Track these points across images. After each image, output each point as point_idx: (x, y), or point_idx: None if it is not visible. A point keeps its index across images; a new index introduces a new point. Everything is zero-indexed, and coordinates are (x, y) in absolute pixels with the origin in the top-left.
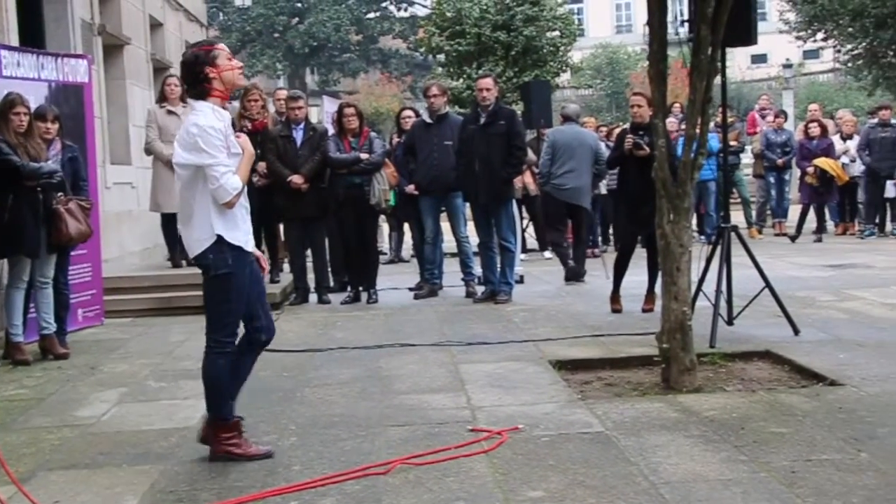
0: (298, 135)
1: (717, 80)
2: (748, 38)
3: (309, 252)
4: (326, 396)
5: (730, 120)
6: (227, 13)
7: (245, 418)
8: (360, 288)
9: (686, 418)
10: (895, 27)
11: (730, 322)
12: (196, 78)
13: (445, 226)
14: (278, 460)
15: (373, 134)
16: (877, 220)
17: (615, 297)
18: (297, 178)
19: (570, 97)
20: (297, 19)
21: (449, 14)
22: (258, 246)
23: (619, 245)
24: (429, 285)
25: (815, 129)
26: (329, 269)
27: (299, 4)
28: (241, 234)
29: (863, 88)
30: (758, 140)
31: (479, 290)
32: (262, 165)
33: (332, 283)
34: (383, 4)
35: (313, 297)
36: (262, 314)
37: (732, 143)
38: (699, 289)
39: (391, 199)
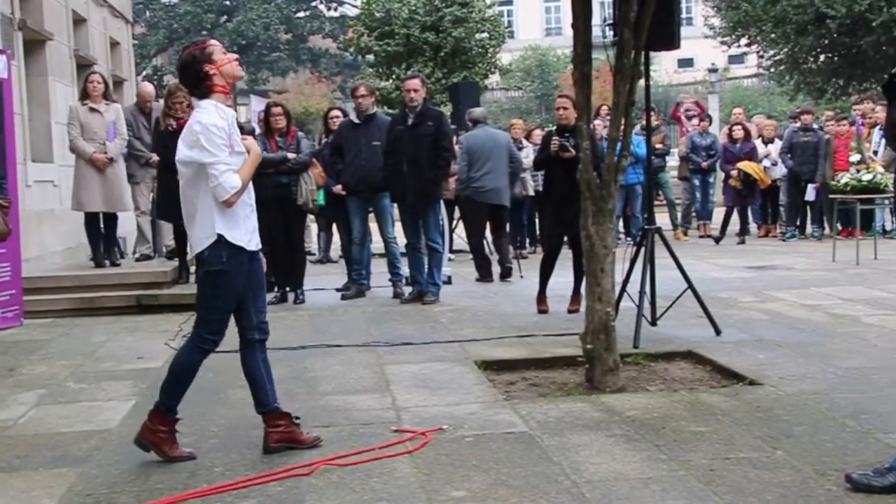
0: None
1: (643, 83)
2: (671, 42)
3: None
4: (250, 398)
5: (655, 123)
6: (154, 10)
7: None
8: (287, 288)
9: (609, 418)
10: (816, 34)
11: (653, 323)
12: (197, 77)
13: (373, 226)
14: (200, 462)
15: (300, 133)
16: (798, 223)
17: (541, 298)
18: None
19: (499, 99)
20: (225, 17)
21: (378, 14)
22: (181, 247)
23: (546, 246)
24: (356, 286)
25: (738, 133)
26: None
27: (228, 2)
28: (242, 233)
29: (785, 93)
30: (683, 143)
31: (407, 290)
32: None
33: None
34: (313, 4)
35: None
36: (254, 314)
37: (658, 145)
38: (623, 290)
39: (319, 200)
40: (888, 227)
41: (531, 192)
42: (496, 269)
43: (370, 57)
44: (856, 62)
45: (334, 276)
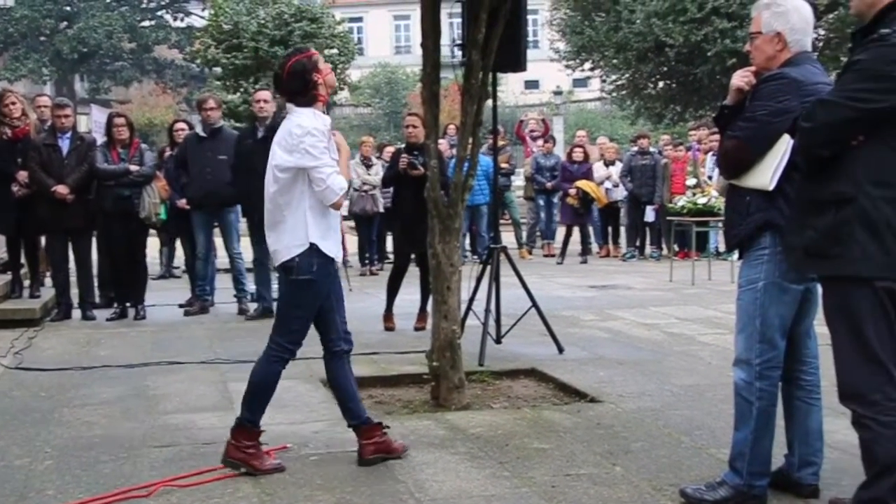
0: (64, 144)
1: (490, 103)
2: (518, 64)
3: (73, 265)
4: (86, 417)
5: (501, 143)
6: None
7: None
8: (128, 304)
9: (453, 435)
10: (655, 61)
11: (498, 340)
12: (306, 86)
13: (218, 241)
14: (31, 484)
15: (143, 145)
16: (637, 244)
17: (388, 315)
18: (61, 189)
19: (348, 115)
20: (65, 23)
21: (226, 27)
22: (14, 261)
23: (394, 263)
24: (200, 302)
25: (578, 154)
26: (95, 284)
27: (68, 8)
28: (332, 243)
29: (626, 117)
30: (528, 164)
31: (252, 307)
32: (23, 174)
33: (97, 299)
34: (158, 13)
35: (77, 313)
36: (339, 325)
37: (504, 165)
38: (469, 308)
39: (162, 213)
40: (721, 249)
41: (381, 209)
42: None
43: (217, 69)
44: (692, 89)
45: (177, 291)
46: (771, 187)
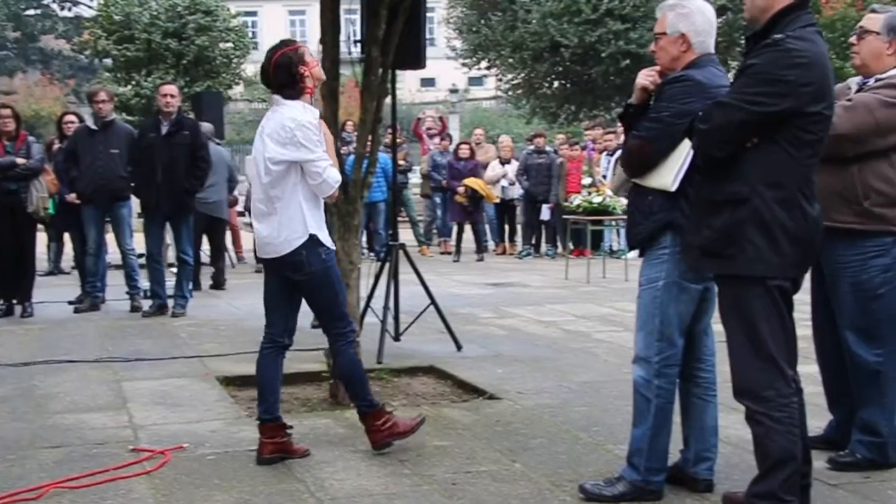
0: None
1: (389, 100)
2: (417, 62)
3: None
4: None
5: (398, 141)
6: None
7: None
8: (14, 300)
9: (353, 434)
10: (550, 61)
11: (396, 338)
12: (293, 78)
13: (110, 237)
14: None
15: (31, 138)
16: (533, 242)
17: None
18: None
19: (242, 110)
20: None
21: (117, 17)
22: None
23: None
24: (90, 299)
25: (465, 151)
26: None
27: None
28: (326, 234)
29: (521, 116)
30: (425, 161)
31: (146, 304)
32: None
33: None
34: (45, 2)
35: None
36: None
37: (401, 162)
38: (367, 305)
39: (50, 208)
40: (615, 247)
41: None
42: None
43: (108, 61)
44: (587, 89)
45: (66, 288)
46: (673, 188)
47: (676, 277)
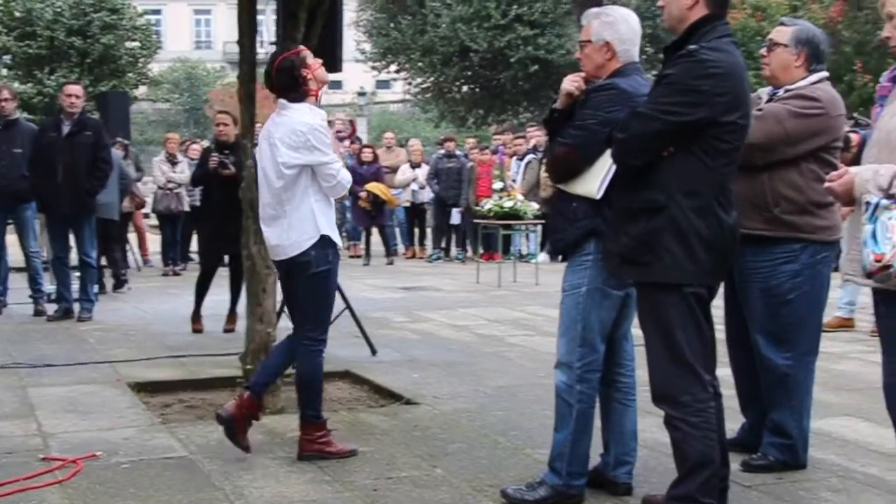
0: None
1: None
2: (334, 65)
3: None
4: None
5: None
6: None
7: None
8: None
9: (270, 440)
10: (460, 66)
11: None
12: (296, 82)
13: (11, 238)
14: None
15: None
16: (443, 245)
17: (196, 317)
18: None
19: (145, 110)
20: None
21: (18, 13)
22: None
23: (202, 264)
24: None
25: (367, 155)
26: None
27: None
28: (337, 233)
29: (430, 120)
30: None
31: (51, 308)
32: None
33: None
34: None
35: None
36: None
37: None
38: (282, 310)
39: None
40: (524, 251)
41: (186, 208)
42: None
43: (7, 58)
44: (495, 94)
45: None
46: (598, 196)
47: (599, 283)
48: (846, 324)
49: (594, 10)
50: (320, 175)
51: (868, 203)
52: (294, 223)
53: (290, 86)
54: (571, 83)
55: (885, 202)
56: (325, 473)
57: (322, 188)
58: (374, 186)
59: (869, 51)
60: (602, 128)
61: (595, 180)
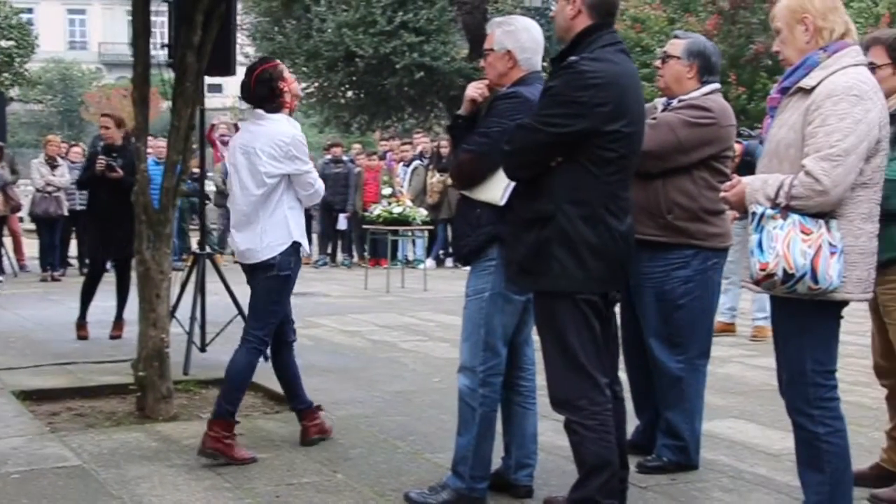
0: None
1: None
2: (227, 68)
3: None
4: None
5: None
6: None
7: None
8: None
9: (167, 447)
10: (345, 71)
11: (203, 349)
12: (273, 93)
13: None
14: None
15: None
16: (329, 251)
17: (82, 324)
18: None
19: (17, 111)
20: None
21: None
22: None
23: (89, 268)
24: None
25: None
26: None
27: None
28: (307, 240)
29: (314, 125)
30: (219, 170)
31: None
32: None
33: None
34: None
35: None
36: (290, 316)
37: (194, 169)
38: (173, 315)
39: None
40: (411, 257)
41: (65, 212)
42: None
43: None
44: (381, 100)
45: None
46: (501, 202)
47: (502, 289)
48: (728, 328)
49: (497, 19)
50: (299, 183)
51: (754, 213)
52: (268, 228)
53: (267, 96)
54: (475, 90)
55: (770, 212)
56: (225, 480)
57: (297, 196)
58: None
59: (742, 64)
60: (505, 136)
61: (499, 187)
